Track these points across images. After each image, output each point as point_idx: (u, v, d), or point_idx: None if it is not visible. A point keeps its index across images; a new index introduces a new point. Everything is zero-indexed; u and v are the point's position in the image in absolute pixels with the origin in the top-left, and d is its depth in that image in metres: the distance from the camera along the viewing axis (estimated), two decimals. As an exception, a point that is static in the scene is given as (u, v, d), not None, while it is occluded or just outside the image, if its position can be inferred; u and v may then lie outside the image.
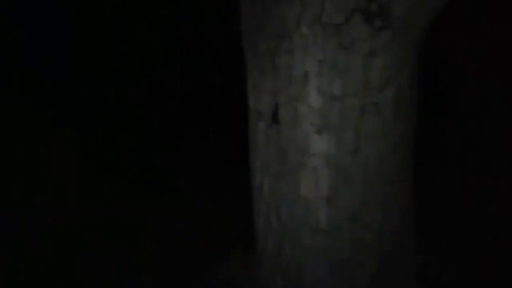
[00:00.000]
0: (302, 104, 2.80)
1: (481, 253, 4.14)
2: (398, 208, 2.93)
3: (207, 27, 5.65)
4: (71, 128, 5.43)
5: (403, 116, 2.85)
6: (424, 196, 3.30)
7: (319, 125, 2.80)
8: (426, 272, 3.37)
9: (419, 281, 3.17)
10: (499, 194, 4.64)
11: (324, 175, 2.82)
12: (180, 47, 5.85)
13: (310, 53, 2.75)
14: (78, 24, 5.64)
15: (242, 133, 3.18)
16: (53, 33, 5.64)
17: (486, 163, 4.98)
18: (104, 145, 5.42)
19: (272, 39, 2.84)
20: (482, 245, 4.20)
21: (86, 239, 4.46)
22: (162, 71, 5.90)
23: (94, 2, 5.58)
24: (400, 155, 2.88)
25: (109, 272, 4.14)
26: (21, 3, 5.56)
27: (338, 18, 2.71)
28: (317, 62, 2.75)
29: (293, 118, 2.83)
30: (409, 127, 2.91)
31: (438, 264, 4.03)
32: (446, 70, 5.14)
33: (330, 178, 2.82)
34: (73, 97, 5.57)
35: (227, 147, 5.01)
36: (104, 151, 5.38)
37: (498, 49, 4.97)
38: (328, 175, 2.82)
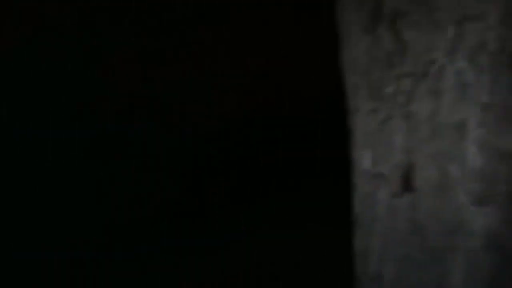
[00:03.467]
0: (454, 165, 2.05)
1: None
2: None
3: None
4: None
5: None
6: None
7: (480, 193, 2.04)
8: None
9: None
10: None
11: (485, 262, 2.06)
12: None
13: (470, 94, 2.01)
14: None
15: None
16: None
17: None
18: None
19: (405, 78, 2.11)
20: None
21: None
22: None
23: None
24: None
25: None
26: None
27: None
28: (480, 107, 2.01)
29: (440, 184, 2.08)
30: None
31: None
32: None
33: (494, 265, 2.05)
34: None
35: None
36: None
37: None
38: (490, 261, 2.05)
